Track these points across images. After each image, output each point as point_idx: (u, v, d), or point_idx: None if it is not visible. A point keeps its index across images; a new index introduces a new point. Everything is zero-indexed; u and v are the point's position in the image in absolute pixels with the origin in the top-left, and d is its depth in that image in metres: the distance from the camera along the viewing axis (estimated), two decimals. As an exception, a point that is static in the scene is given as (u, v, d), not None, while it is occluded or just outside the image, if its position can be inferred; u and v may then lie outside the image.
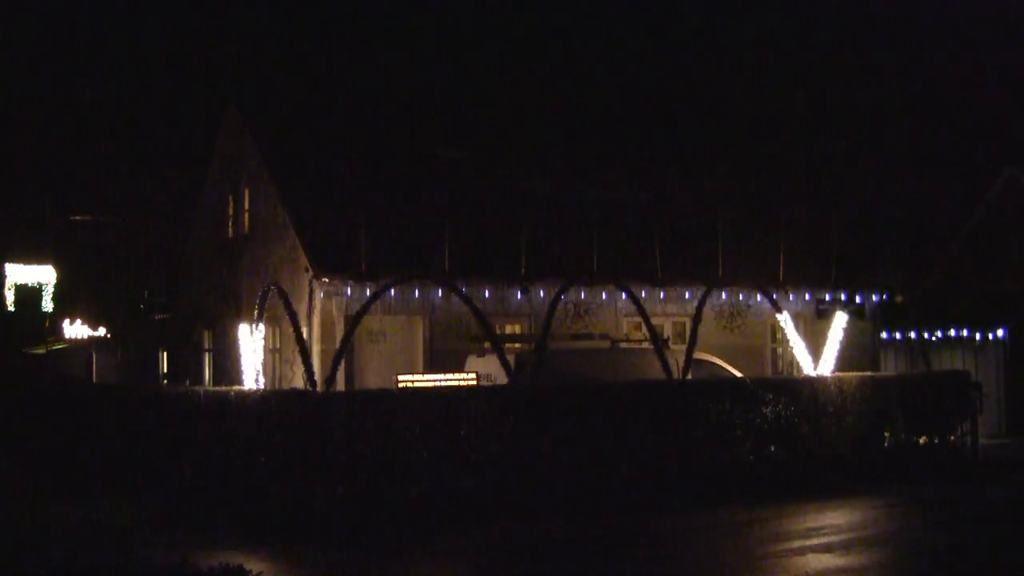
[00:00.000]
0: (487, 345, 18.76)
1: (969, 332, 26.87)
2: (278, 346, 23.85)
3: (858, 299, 26.19)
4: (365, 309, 17.38)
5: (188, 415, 18.46)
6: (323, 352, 21.51)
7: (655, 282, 24.41)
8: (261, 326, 18.50)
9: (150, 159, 36.22)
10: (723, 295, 24.88)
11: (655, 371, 18.78)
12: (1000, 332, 26.70)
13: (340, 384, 18.86)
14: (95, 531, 15.43)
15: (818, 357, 20.53)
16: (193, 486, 17.98)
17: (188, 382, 26.18)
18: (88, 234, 41.72)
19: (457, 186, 24.59)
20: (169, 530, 15.34)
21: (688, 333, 20.09)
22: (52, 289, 45.28)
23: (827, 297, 25.95)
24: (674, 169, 27.85)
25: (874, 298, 26.99)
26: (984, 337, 26.70)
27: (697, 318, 19.62)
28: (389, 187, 24.05)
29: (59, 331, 39.88)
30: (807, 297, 26.22)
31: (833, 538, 14.29)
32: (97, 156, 40.93)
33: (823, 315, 25.65)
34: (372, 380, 22.02)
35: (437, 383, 17.43)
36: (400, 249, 22.21)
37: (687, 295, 24.55)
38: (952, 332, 26.96)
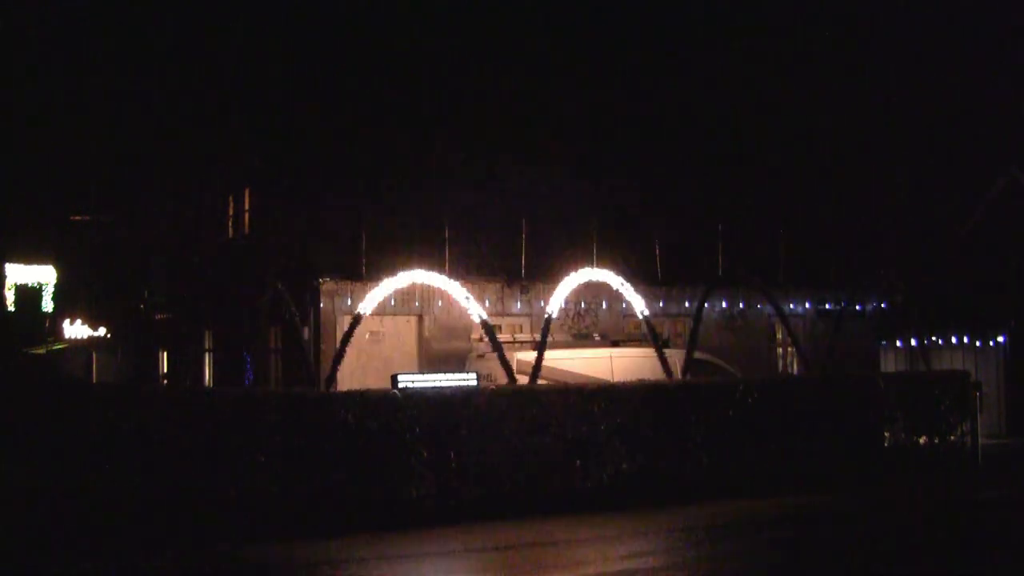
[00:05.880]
0: (487, 345, 18.77)
1: (969, 332, 26.85)
2: (278, 346, 23.84)
3: (857, 307, 26.16)
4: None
5: (189, 416, 18.44)
6: (323, 352, 21.52)
7: (655, 282, 24.41)
8: (262, 327, 18.50)
9: (150, 159, 36.19)
10: (723, 297, 24.88)
11: (655, 371, 18.78)
12: (1000, 332, 26.69)
13: (340, 384, 18.85)
14: (95, 531, 15.42)
15: (817, 357, 20.53)
16: (194, 486, 17.95)
17: (188, 382, 26.17)
18: (88, 234, 41.70)
19: (457, 186, 24.58)
20: (169, 530, 15.33)
21: (688, 333, 20.09)
22: (52, 289, 45.26)
23: (827, 306, 25.93)
24: (674, 168, 27.83)
25: (873, 298, 26.99)
26: (984, 337, 26.69)
27: (697, 318, 19.62)
28: (389, 187, 24.05)
29: (59, 331, 39.88)
30: (807, 297, 26.22)
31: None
32: (97, 156, 40.93)
33: (823, 315, 25.68)
34: (372, 380, 22.01)
35: (437, 383, 17.42)
36: (400, 249, 22.21)
37: (687, 295, 24.56)
38: (952, 332, 26.95)
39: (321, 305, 21.97)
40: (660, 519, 15.85)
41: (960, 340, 26.85)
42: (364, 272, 21.81)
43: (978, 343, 26.55)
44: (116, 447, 21.13)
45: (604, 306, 24.15)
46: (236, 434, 16.93)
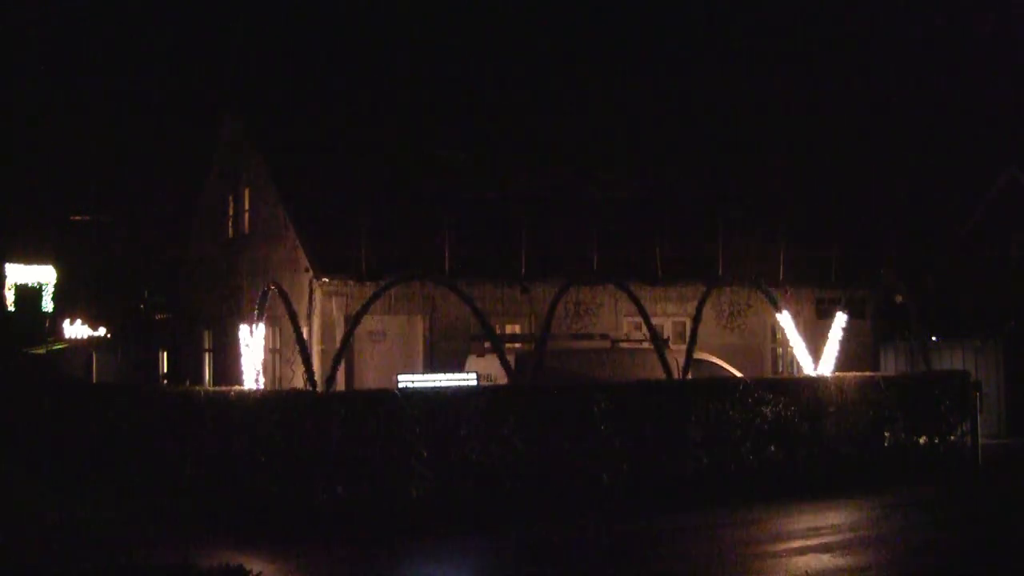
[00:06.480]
0: (487, 345, 18.77)
1: (969, 332, 26.82)
2: (278, 346, 23.85)
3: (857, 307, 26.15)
4: (365, 309, 17.37)
5: (189, 415, 18.46)
6: (323, 352, 21.52)
7: (655, 282, 24.41)
8: (261, 326, 18.51)
9: (150, 159, 36.25)
10: (723, 295, 24.89)
11: (655, 371, 18.77)
12: (1000, 332, 26.66)
13: (340, 384, 18.85)
14: (95, 531, 15.42)
15: (818, 357, 20.52)
16: (194, 486, 17.97)
17: (188, 382, 26.18)
18: (88, 234, 41.74)
19: (457, 186, 24.59)
20: (170, 530, 15.34)
21: (688, 333, 20.09)
22: (52, 289, 45.26)
23: (826, 297, 25.98)
24: (674, 168, 27.85)
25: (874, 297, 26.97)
26: (984, 337, 26.68)
27: (697, 318, 19.60)
28: (389, 187, 24.07)
29: (59, 331, 39.90)
30: (807, 297, 26.22)
31: (832, 538, 14.30)
32: (97, 156, 40.96)
33: (823, 315, 25.66)
34: (372, 380, 22.01)
35: (437, 383, 17.41)
36: (400, 249, 22.21)
37: (687, 295, 24.56)
38: (952, 332, 26.91)
39: (321, 305, 21.97)
40: (660, 520, 15.86)
41: (960, 340, 26.83)
42: (364, 272, 21.80)
43: (978, 343, 26.55)
44: (116, 446, 21.17)
45: (604, 306, 24.15)
46: (237, 434, 16.96)
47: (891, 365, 27.47)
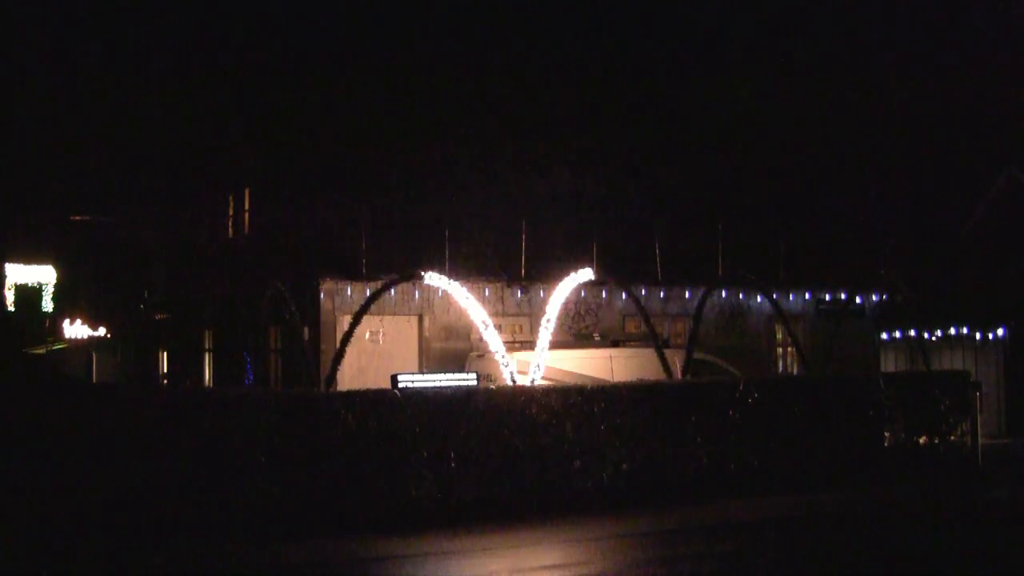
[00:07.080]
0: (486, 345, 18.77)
1: (969, 332, 26.85)
2: (278, 346, 23.85)
3: (858, 299, 26.23)
4: (365, 309, 17.39)
5: (188, 416, 18.43)
6: (323, 352, 21.53)
7: (655, 282, 24.42)
8: (262, 326, 18.52)
9: (150, 159, 36.22)
10: (723, 295, 24.91)
11: (655, 371, 18.79)
12: (1000, 332, 26.69)
13: (340, 384, 18.84)
14: (95, 531, 15.42)
15: (817, 357, 20.54)
16: (193, 486, 17.95)
17: (188, 382, 26.18)
18: (88, 234, 41.71)
19: (457, 184, 24.60)
20: (169, 530, 15.34)
21: (688, 333, 20.11)
22: (52, 289, 45.25)
23: (827, 297, 26.01)
24: (674, 169, 27.85)
25: (874, 297, 27.00)
26: (984, 337, 26.69)
27: (697, 318, 19.63)
28: (389, 187, 24.08)
29: (59, 331, 39.88)
30: (807, 297, 26.24)
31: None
32: (97, 156, 40.92)
33: (823, 315, 25.68)
34: (372, 380, 22.00)
35: (437, 383, 17.42)
36: (400, 249, 22.23)
37: (687, 295, 24.58)
38: (952, 332, 26.95)
39: (321, 305, 21.99)
40: (661, 519, 15.85)
41: (960, 340, 26.84)
42: (364, 271, 21.82)
43: (978, 336, 26.59)
44: (116, 447, 21.15)
45: (604, 306, 24.16)
46: (236, 434, 16.94)
47: (891, 365, 27.49)
